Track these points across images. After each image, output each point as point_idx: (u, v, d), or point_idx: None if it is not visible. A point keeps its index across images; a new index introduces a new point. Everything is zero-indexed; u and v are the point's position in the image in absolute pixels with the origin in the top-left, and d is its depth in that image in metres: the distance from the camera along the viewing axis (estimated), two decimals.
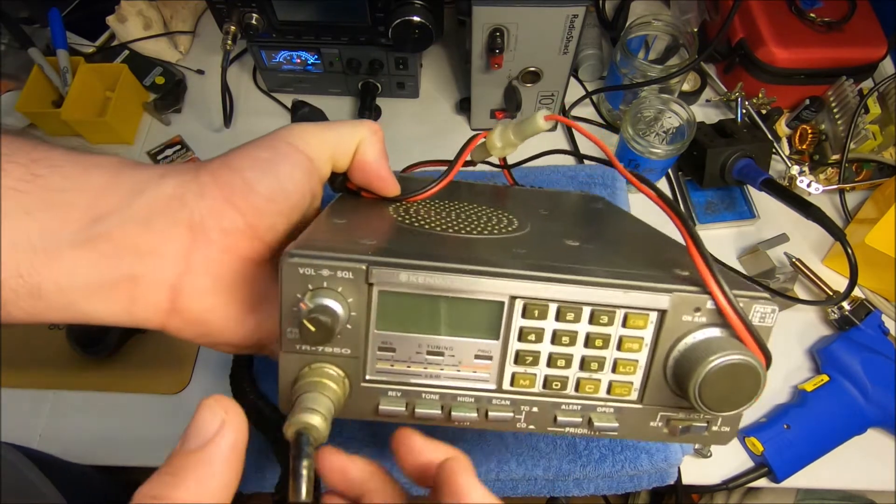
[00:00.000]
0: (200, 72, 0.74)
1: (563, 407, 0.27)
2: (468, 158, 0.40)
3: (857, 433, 0.53)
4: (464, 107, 0.70)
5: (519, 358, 0.26)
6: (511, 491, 0.49)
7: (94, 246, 0.24)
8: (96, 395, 0.55)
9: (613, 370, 0.26)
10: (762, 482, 0.53)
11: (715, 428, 0.27)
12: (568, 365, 0.26)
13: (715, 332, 0.25)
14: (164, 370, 0.56)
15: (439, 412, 0.26)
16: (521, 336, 0.26)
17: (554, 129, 0.69)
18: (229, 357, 0.51)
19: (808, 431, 0.52)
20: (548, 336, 0.26)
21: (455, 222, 0.32)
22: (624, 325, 0.25)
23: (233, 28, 0.61)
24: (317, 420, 0.21)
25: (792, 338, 0.59)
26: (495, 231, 0.31)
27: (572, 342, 0.26)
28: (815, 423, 0.52)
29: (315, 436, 0.21)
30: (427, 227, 0.30)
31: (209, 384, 0.56)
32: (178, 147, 0.69)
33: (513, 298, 0.25)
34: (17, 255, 0.23)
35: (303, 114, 0.40)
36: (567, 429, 0.27)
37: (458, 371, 0.26)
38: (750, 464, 0.53)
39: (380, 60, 0.66)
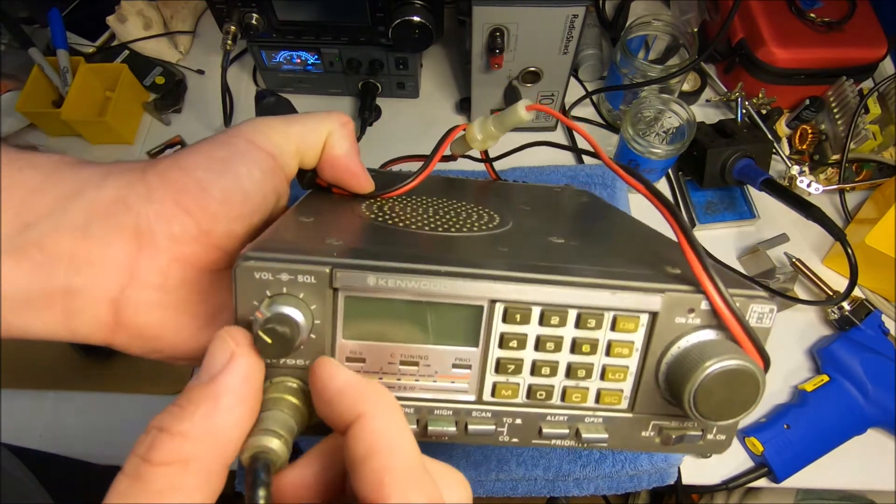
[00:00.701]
0: (200, 72, 0.74)
1: (549, 418, 0.25)
2: (447, 153, 0.38)
3: (857, 433, 0.53)
4: (464, 107, 0.70)
5: (500, 366, 0.24)
6: (511, 491, 0.49)
7: (25, 254, 0.21)
8: (96, 395, 0.55)
9: (602, 377, 0.24)
10: (762, 482, 0.53)
11: (710, 436, 0.26)
12: (553, 373, 0.24)
13: (710, 334, 0.23)
14: (164, 370, 0.56)
15: (415, 427, 0.24)
16: (503, 342, 0.23)
17: (535, 119, 0.69)
18: None
19: (808, 431, 0.52)
20: (531, 342, 0.24)
21: (432, 219, 0.29)
22: (613, 328, 0.23)
23: (233, 28, 0.61)
24: (275, 443, 0.19)
25: (792, 338, 0.59)
26: (475, 228, 0.29)
27: (557, 348, 0.24)
28: (815, 423, 0.52)
29: (273, 459, 0.18)
30: (401, 224, 0.28)
31: None
32: (179, 147, 0.69)
33: (492, 302, 0.23)
34: None
35: (267, 104, 0.36)
36: (553, 441, 0.25)
37: (435, 382, 0.24)
38: (750, 464, 0.53)
39: (380, 60, 0.66)
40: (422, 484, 0.18)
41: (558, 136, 0.71)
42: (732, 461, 0.53)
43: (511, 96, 0.63)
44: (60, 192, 0.22)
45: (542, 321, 0.23)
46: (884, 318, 0.56)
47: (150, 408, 0.55)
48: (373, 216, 0.29)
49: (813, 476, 0.53)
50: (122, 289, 0.23)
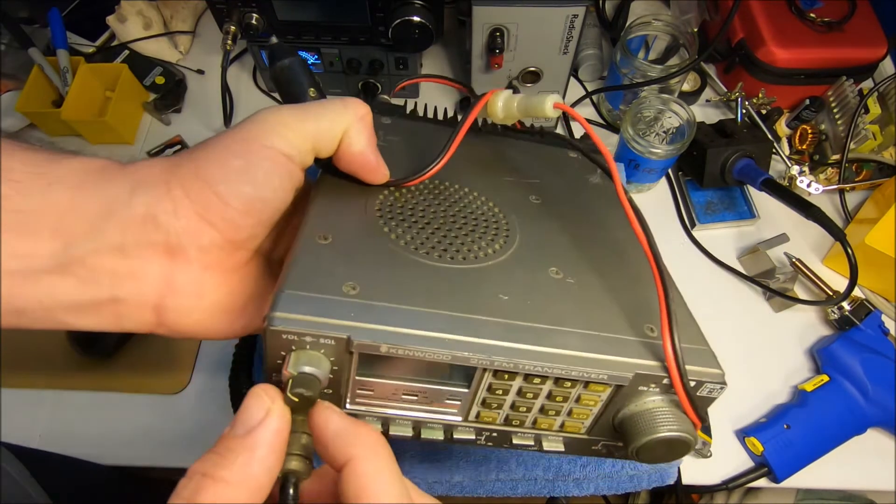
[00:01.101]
0: (200, 72, 0.74)
1: (519, 434, 0.29)
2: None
3: (857, 433, 0.53)
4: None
5: (485, 402, 0.28)
6: (511, 491, 0.49)
7: (71, 271, 0.23)
8: (96, 395, 0.55)
9: (568, 415, 0.28)
10: (762, 482, 0.53)
11: None
12: (528, 411, 0.28)
13: (662, 399, 0.27)
14: (164, 370, 0.56)
15: (411, 433, 0.28)
16: (490, 389, 0.27)
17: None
18: (229, 357, 0.51)
19: (808, 431, 0.52)
20: (514, 390, 0.27)
21: (444, 236, 0.31)
22: (585, 388, 0.27)
23: (233, 28, 0.61)
24: (295, 464, 0.22)
25: (792, 338, 0.59)
26: (481, 255, 0.30)
27: (535, 397, 0.27)
28: (815, 423, 0.52)
29: (298, 477, 0.22)
30: (413, 248, 0.29)
31: (208, 385, 0.56)
32: (179, 147, 0.69)
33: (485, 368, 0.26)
34: None
35: (282, 67, 0.34)
36: (519, 448, 0.30)
37: (430, 407, 0.28)
38: (750, 464, 0.53)
39: (380, 60, 0.66)
40: None
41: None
42: (732, 461, 0.53)
43: None
44: (92, 212, 0.24)
45: (527, 379, 0.26)
46: (884, 318, 0.56)
47: (150, 408, 0.55)
48: (387, 230, 0.30)
49: (813, 476, 0.53)
50: (161, 297, 0.25)
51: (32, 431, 0.54)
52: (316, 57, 0.66)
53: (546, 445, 0.29)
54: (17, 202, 0.23)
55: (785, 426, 0.52)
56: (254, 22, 0.61)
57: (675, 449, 0.27)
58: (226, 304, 0.27)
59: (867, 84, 0.68)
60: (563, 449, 0.30)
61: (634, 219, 0.30)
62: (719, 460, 0.53)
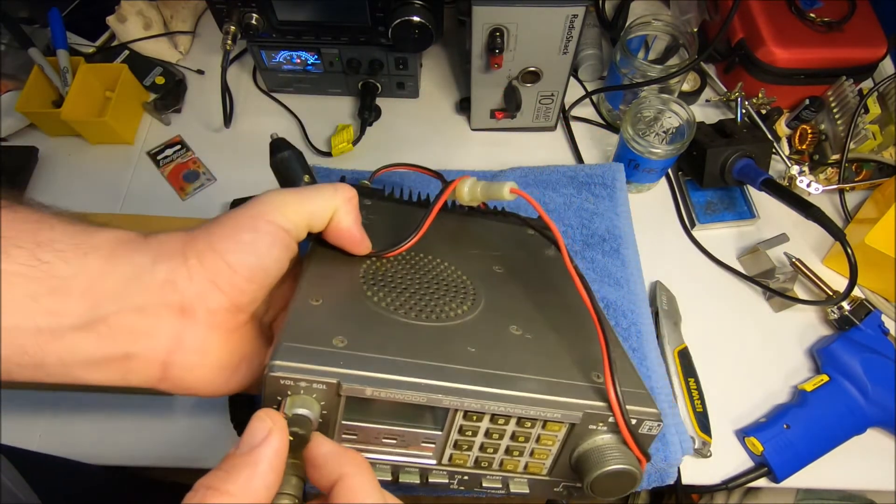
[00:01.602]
0: (200, 72, 0.74)
1: (489, 477, 0.33)
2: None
3: (857, 433, 0.53)
4: (464, 107, 0.70)
5: (457, 444, 0.31)
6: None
7: (94, 328, 0.26)
8: (96, 395, 0.55)
9: (531, 455, 0.32)
10: (762, 482, 0.53)
11: None
12: (495, 451, 0.32)
13: (610, 437, 0.31)
14: None
15: (389, 478, 0.31)
16: (461, 431, 0.30)
17: (535, 119, 0.69)
18: None
19: (808, 431, 0.52)
20: (482, 431, 0.31)
21: (419, 299, 0.35)
22: (543, 427, 0.31)
23: (233, 28, 0.61)
24: (286, 501, 0.25)
25: (792, 338, 0.59)
26: (452, 315, 0.35)
27: (500, 437, 0.31)
28: (815, 423, 0.52)
29: None
30: (392, 309, 0.33)
31: None
32: (178, 147, 0.69)
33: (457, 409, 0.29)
34: (23, 337, 0.25)
35: (282, 158, 0.40)
36: (489, 492, 0.33)
37: (407, 450, 0.31)
38: (750, 464, 0.53)
39: (380, 60, 0.66)
40: None
41: (557, 135, 0.71)
42: (732, 461, 0.53)
43: (511, 96, 0.63)
44: (120, 276, 0.27)
45: (493, 420, 0.30)
46: (884, 318, 0.56)
47: (150, 409, 0.55)
48: (370, 293, 0.34)
49: (813, 476, 0.53)
50: (170, 353, 0.28)
51: (32, 432, 0.54)
52: (316, 57, 0.66)
53: (513, 488, 0.33)
54: (59, 269, 0.26)
55: (785, 426, 0.52)
56: (254, 22, 0.61)
57: (623, 481, 0.31)
58: (225, 362, 0.30)
59: (867, 84, 0.68)
60: (527, 491, 0.33)
61: (580, 283, 0.34)
62: (719, 460, 0.53)
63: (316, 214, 0.32)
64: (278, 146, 0.40)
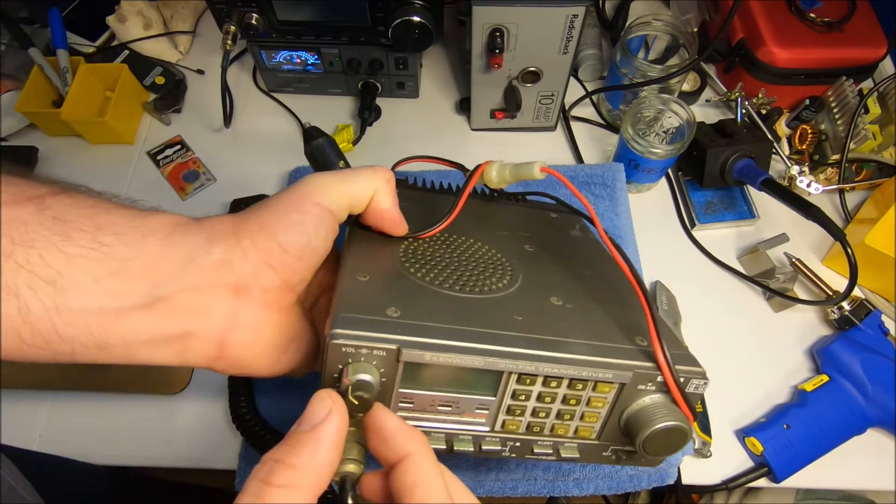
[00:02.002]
0: (200, 72, 0.74)
1: (540, 443, 0.33)
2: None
3: (857, 433, 0.53)
4: (464, 107, 0.70)
5: (510, 410, 0.32)
6: (511, 491, 0.50)
7: (155, 308, 0.27)
8: (96, 395, 0.55)
9: (581, 419, 0.33)
10: (762, 482, 0.53)
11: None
12: (547, 416, 0.32)
13: (659, 397, 0.32)
14: (164, 371, 0.56)
15: (444, 446, 0.32)
16: (514, 395, 0.31)
17: (535, 118, 0.69)
18: None
19: (808, 431, 0.52)
20: (534, 395, 0.31)
21: (461, 275, 0.36)
22: (593, 389, 0.31)
23: (233, 28, 0.61)
24: (351, 466, 0.26)
25: (792, 338, 0.59)
26: (494, 288, 0.35)
27: (552, 401, 0.32)
28: (815, 423, 0.52)
29: (354, 478, 0.26)
30: (437, 282, 0.34)
31: (208, 386, 0.56)
32: (178, 147, 0.69)
33: (511, 372, 0.30)
34: (88, 317, 0.26)
35: (317, 145, 0.41)
36: (540, 457, 0.34)
37: (462, 417, 0.32)
38: (750, 464, 0.53)
39: (380, 60, 0.66)
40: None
41: (558, 135, 0.71)
42: (732, 461, 0.53)
43: (511, 96, 0.63)
44: (177, 258, 0.28)
45: (545, 383, 0.31)
46: (884, 318, 0.56)
47: (150, 408, 0.55)
48: (412, 270, 0.35)
49: (813, 476, 0.53)
50: (225, 331, 0.29)
51: (32, 432, 0.54)
52: (316, 57, 0.66)
53: (563, 453, 0.33)
54: (120, 251, 0.27)
55: (785, 426, 0.52)
56: (254, 22, 0.61)
57: (674, 438, 0.31)
58: (277, 340, 0.31)
59: (867, 84, 0.68)
60: (578, 456, 0.34)
61: (615, 251, 0.35)
62: (719, 460, 0.53)
63: (357, 196, 0.33)
64: (312, 134, 0.41)
